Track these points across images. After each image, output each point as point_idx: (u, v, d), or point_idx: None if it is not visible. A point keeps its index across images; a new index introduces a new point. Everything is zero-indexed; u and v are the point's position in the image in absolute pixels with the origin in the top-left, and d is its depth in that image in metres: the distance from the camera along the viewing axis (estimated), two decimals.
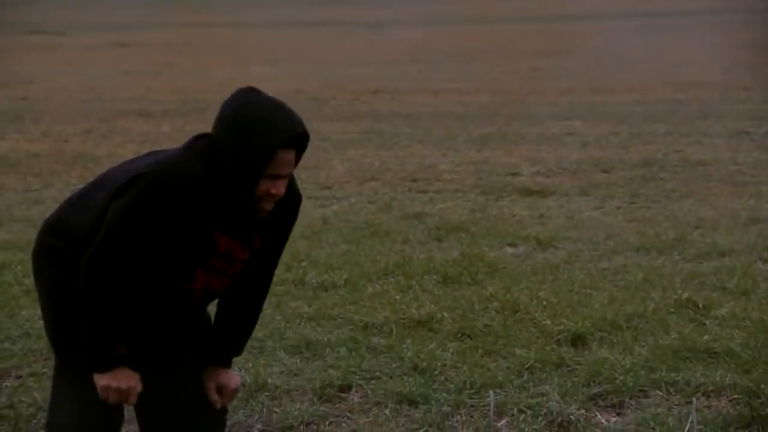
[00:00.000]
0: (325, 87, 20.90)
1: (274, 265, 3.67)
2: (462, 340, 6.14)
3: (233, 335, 3.69)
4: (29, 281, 7.31)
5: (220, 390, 3.69)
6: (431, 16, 48.35)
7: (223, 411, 3.75)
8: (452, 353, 5.92)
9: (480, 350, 5.94)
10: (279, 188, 3.38)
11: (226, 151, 3.31)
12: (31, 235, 8.58)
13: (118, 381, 3.45)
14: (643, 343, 5.98)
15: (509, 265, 7.79)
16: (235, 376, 3.73)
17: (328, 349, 6.01)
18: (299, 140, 3.38)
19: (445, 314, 6.53)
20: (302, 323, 6.47)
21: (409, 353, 5.90)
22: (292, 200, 3.55)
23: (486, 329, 6.30)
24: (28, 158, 12.97)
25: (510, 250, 8.33)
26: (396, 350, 5.98)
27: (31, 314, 6.68)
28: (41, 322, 6.44)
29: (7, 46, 33.79)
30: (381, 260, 7.86)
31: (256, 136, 3.29)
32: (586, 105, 17.23)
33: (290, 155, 3.36)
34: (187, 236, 3.37)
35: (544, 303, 6.73)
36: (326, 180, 11.22)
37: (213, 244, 3.42)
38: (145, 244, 3.33)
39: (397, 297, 6.94)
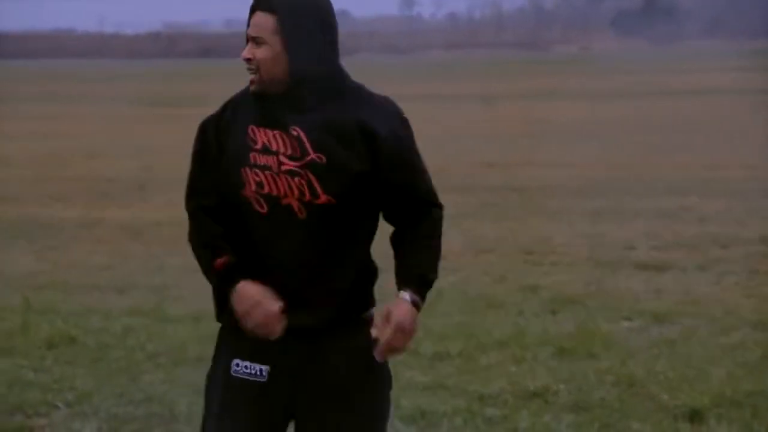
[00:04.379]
0: (440, 160, 21.03)
1: (418, 188, 3.48)
2: (577, 413, 6.15)
3: (405, 258, 3.46)
4: (151, 346, 7.51)
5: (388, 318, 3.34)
6: (544, 90, 48.42)
7: None
8: (567, 426, 5.92)
9: (596, 423, 5.94)
10: (246, 52, 3.42)
11: None
12: (153, 302, 8.86)
13: (242, 303, 3.35)
14: (761, 421, 5.92)
15: (625, 338, 7.77)
16: (403, 308, 3.33)
17: (444, 419, 6.06)
18: (258, 2, 3.41)
19: (561, 386, 6.54)
20: (417, 393, 6.53)
21: (524, 424, 5.92)
22: (376, 105, 3.44)
23: (601, 402, 6.30)
24: (151, 226, 13.28)
25: (625, 323, 8.31)
26: (511, 421, 6.01)
27: (153, 379, 6.85)
28: (163, 387, 6.64)
29: (132, 117, 34.65)
30: (496, 332, 7.90)
31: None
32: (701, 180, 17.11)
33: (260, 18, 3.39)
34: (231, 138, 3.46)
35: (661, 377, 6.70)
36: (442, 252, 11.27)
37: (251, 139, 3.44)
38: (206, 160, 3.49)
39: (512, 368, 6.97)
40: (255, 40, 3.40)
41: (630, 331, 8.07)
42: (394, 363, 6.99)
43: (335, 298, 3.42)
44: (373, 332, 3.30)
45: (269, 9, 3.38)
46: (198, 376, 6.55)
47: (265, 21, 3.39)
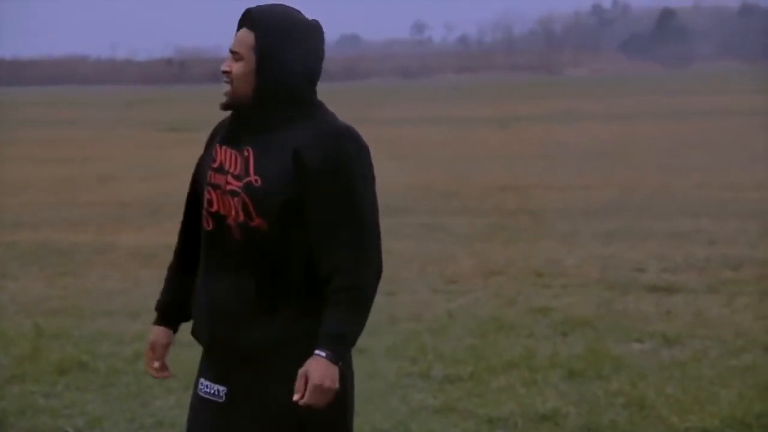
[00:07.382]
0: (453, 182, 21.07)
1: (345, 236, 3.35)
2: None
3: (326, 315, 3.35)
4: None
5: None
6: (556, 113, 48.47)
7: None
8: None
9: None
10: (225, 64, 3.46)
11: None
12: None
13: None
14: None
15: (635, 360, 7.77)
16: (319, 367, 3.29)
17: None
18: (244, 18, 3.45)
19: (571, 409, 6.54)
20: (427, 416, 6.53)
21: None
22: (319, 132, 3.39)
23: (612, 425, 6.29)
24: (164, 251, 13.28)
25: (636, 345, 8.31)
26: None
27: (164, 404, 6.86)
28: (173, 412, 6.65)
29: (144, 142, 34.77)
30: (506, 354, 7.90)
31: None
32: (714, 202, 17.10)
33: (242, 33, 3.43)
34: (205, 157, 3.57)
35: (671, 399, 6.70)
36: (452, 274, 11.31)
37: (212, 158, 3.51)
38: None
39: (522, 391, 6.97)
40: (234, 55, 3.45)
41: (640, 353, 8.06)
42: (405, 386, 7.03)
43: (277, 321, 3.40)
44: (295, 397, 3.30)
45: (251, 26, 3.43)
46: None
47: (246, 37, 3.44)
